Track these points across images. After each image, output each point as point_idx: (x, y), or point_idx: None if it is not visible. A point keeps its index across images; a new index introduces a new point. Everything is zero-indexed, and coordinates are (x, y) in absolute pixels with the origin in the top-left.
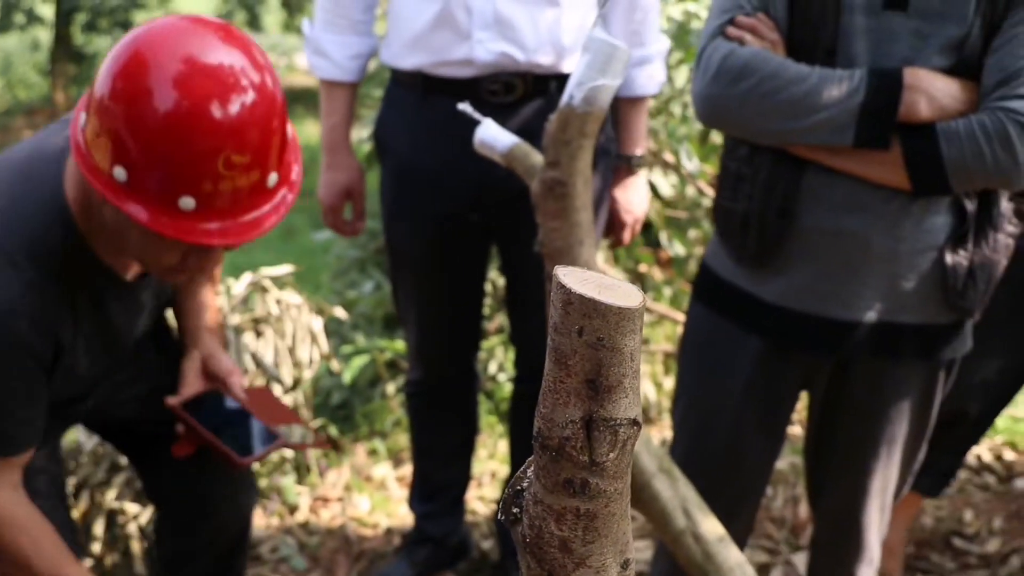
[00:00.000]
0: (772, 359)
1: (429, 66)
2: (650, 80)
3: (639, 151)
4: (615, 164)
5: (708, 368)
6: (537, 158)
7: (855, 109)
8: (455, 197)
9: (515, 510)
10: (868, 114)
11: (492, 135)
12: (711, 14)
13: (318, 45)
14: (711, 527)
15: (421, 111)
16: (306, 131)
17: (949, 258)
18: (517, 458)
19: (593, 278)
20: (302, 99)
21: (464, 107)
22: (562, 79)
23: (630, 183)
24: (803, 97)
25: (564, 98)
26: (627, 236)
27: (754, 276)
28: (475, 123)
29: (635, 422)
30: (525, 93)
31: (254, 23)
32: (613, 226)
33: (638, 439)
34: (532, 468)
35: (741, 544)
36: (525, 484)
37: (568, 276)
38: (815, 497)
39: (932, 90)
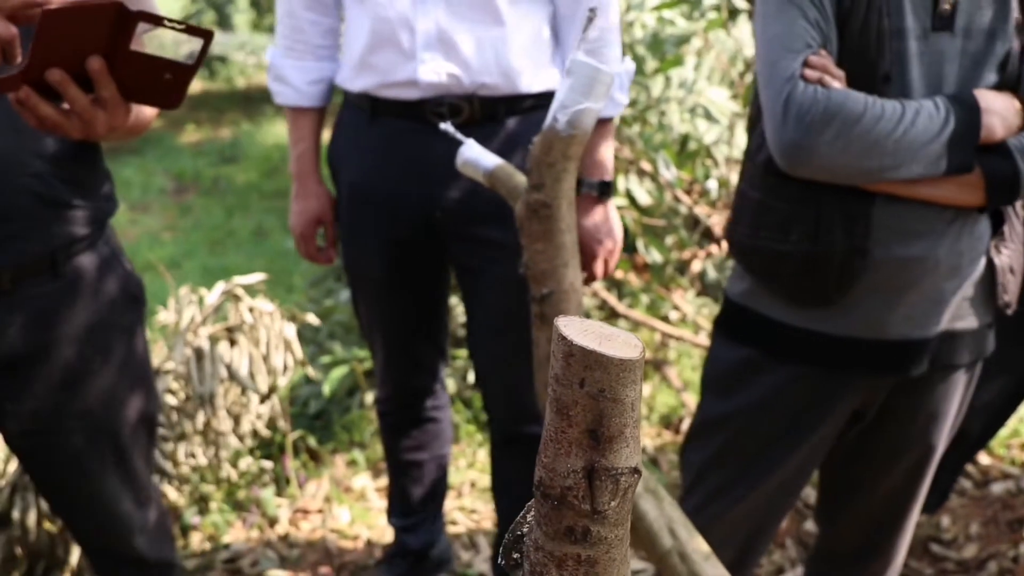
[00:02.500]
0: (829, 387)
1: (375, 87)
2: (611, 102)
3: (606, 177)
4: (581, 192)
5: (756, 403)
6: (520, 179)
7: (946, 139)
8: (406, 221)
9: (515, 555)
10: (956, 142)
11: (475, 155)
12: (772, 50)
13: (279, 72)
14: (697, 546)
15: (369, 134)
16: (275, 131)
17: (996, 259)
18: (502, 504)
19: (593, 328)
20: (271, 99)
21: (446, 127)
22: (511, 103)
23: (598, 211)
24: (900, 135)
25: (548, 121)
26: (599, 269)
27: (814, 313)
28: (423, 146)
29: (636, 470)
30: (472, 117)
31: (224, 23)
32: (584, 260)
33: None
34: (532, 514)
35: (760, 557)
36: (525, 529)
37: (569, 327)
38: (837, 510)
39: (1001, 110)
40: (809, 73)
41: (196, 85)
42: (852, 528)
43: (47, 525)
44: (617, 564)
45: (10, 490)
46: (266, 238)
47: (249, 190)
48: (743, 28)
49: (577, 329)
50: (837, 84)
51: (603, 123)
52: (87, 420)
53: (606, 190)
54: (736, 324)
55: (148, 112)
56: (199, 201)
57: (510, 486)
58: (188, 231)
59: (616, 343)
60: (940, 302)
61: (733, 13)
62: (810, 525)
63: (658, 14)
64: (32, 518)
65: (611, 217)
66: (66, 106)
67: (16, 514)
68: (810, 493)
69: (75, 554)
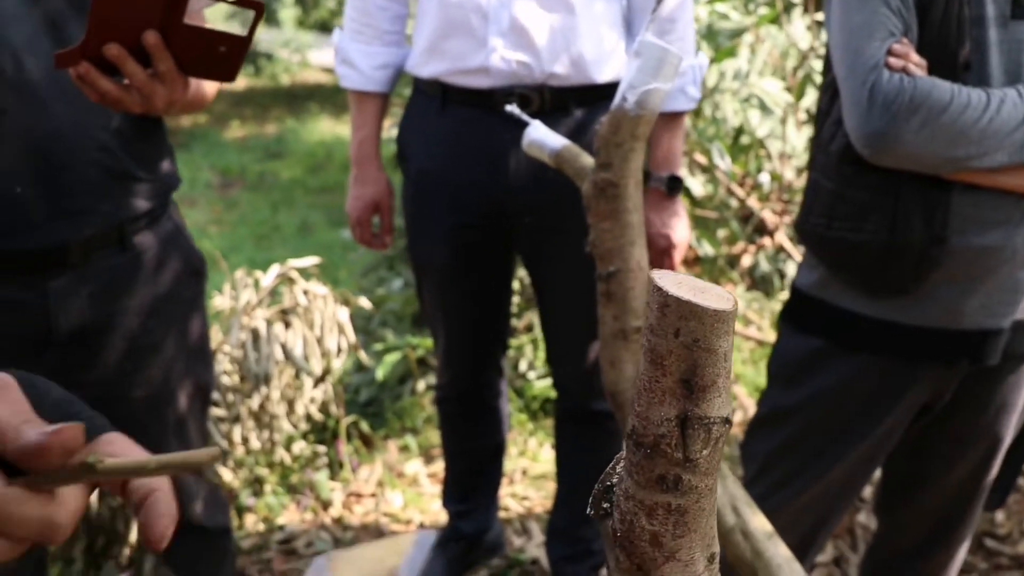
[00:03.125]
0: (900, 377)
1: (445, 74)
2: (683, 96)
3: (675, 172)
4: (650, 185)
5: (825, 393)
6: (587, 160)
7: None
8: (474, 208)
9: (605, 505)
10: None
11: (541, 136)
12: (854, 39)
13: (346, 55)
14: (760, 524)
15: (439, 121)
16: (320, 127)
17: None
18: (564, 481)
19: (687, 281)
20: (316, 96)
21: (512, 108)
22: (581, 93)
23: (667, 207)
24: (986, 123)
25: (616, 101)
26: (665, 263)
27: (889, 303)
28: (492, 135)
29: (727, 420)
30: (542, 107)
31: (270, 18)
32: (648, 254)
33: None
34: (621, 464)
35: (820, 548)
36: (615, 480)
37: (664, 279)
38: (900, 503)
39: None
40: (893, 61)
41: (240, 82)
42: (915, 521)
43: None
44: (706, 515)
45: None
46: (311, 233)
47: (294, 185)
48: (796, 23)
49: (671, 281)
50: (920, 72)
51: (674, 117)
52: (149, 389)
53: (675, 185)
54: (805, 315)
55: (207, 87)
56: (245, 196)
57: (574, 461)
58: (234, 225)
59: (710, 295)
60: (1016, 291)
61: (788, 6)
62: (863, 517)
63: (711, 7)
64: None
65: (678, 212)
66: (126, 81)
67: None
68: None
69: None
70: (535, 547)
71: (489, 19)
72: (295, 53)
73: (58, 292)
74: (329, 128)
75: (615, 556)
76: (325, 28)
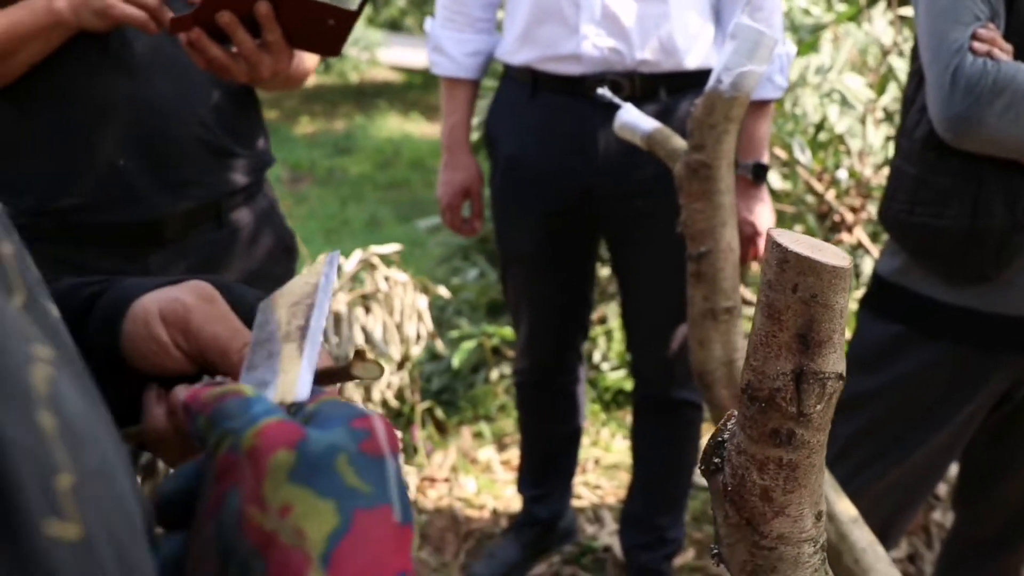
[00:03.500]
0: (980, 365)
1: (537, 61)
2: (770, 84)
3: (761, 159)
4: (735, 173)
5: (905, 380)
6: (679, 142)
7: None
8: (563, 194)
9: (716, 460)
10: None
11: (633, 119)
12: (940, 23)
13: (437, 42)
14: (845, 508)
15: (529, 109)
16: (388, 124)
17: None
18: (641, 469)
19: (802, 240)
20: (384, 93)
21: (603, 91)
22: (671, 80)
23: (752, 194)
24: None
25: (711, 83)
26: (747, 252)
27: (970, 290)
28: (582, 122)
29: (841, 376)
30: (632, 94)
31: None
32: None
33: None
34: (733, 421)
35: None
36: (725, 436)
37: (782, 237)
38: (978, 495)
39: None
40: (977, 46)
41: (310, 79)
42: (994, 513)
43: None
44: (816, 471)
45: None
46: (380, 227)
47: (363, 181)
48: (877, 20)
49: (789, 239)
50: (1005, 57)
51: (761, 105)
52: None
53: (760, 173)
54: (886, 301)
55: (308, 63)
56: (314, 191)
57: (652, 450)
58: (304, 219)
59: (827, 253)
60: None
61: (872, 1)
62: (939, 515)
63: (791, 2)
64: None
65: (763, 199)
66: (234, 50)
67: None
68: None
69: None
70: (607, 535)
71: (581, 6)
72: (364, 51)
73: (157, 266)
74: (397, 125)
75: (724, 511)
76: (395, 26)
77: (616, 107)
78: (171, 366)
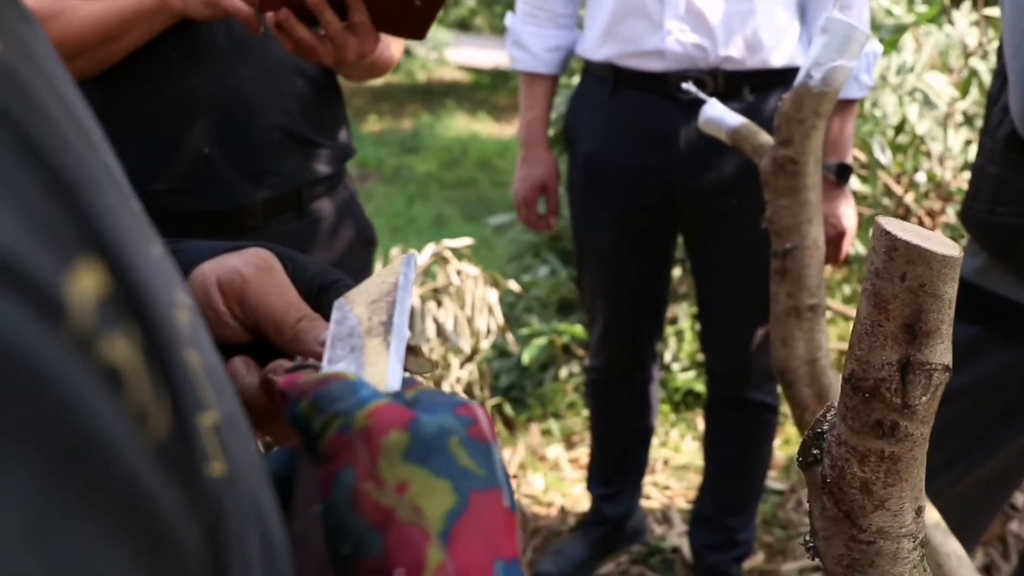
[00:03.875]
0: None
1: (619, 57)
2: (855, 83)
3: (845, 160)
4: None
5: (983, 383)
6: (764, 137)
7: None
8: (642, 191)
9: (815, 452)
10: None
11: (718, 114)
12: (1021, 18)
13: (518, 37)
14: (928, 513)
15: (610, 105)
16: (455, 124)
17: None
18: (713, 470)
19: (911, 228)
20: (452, 93)
21: (688, 86)
22: (755, 78)
23: (835, 194)
24: None
25: (800, 77)
26: (835, 251)
27: None
28: (664, 119)
29: (948, 368)
30: (715, 91)
31: None
32: None
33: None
34: (832, 412)
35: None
36: (825, 427)
37: (891, 225)
38: None
39: None
40: None
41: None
42: None
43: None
44: (918, 465)
45: None
46: (446, 226)
47: (429, 180)
48: (960, 20)
49: (898, 227)
50: None
51: (846, 104)
52: None
53: (844, 173)
54: (965, 302)
55: (393, 50)
56: (381, 188)
57: (724, 451)
58: (370, 216)
59: (935, 242)
60: None
61: (957, 1)
62: (1016, 526)
63: (873, 3)
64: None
65: (847, 200)
66: (321, 32)
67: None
68: (1017, 495)
69: None
70: (676, 536)
71: (665, 2)
72: (432, 51)
73: None
74: (465, 125)
75: (821, 503)
76: (464, 26)
77: (700, 103)
78: (227, 335)
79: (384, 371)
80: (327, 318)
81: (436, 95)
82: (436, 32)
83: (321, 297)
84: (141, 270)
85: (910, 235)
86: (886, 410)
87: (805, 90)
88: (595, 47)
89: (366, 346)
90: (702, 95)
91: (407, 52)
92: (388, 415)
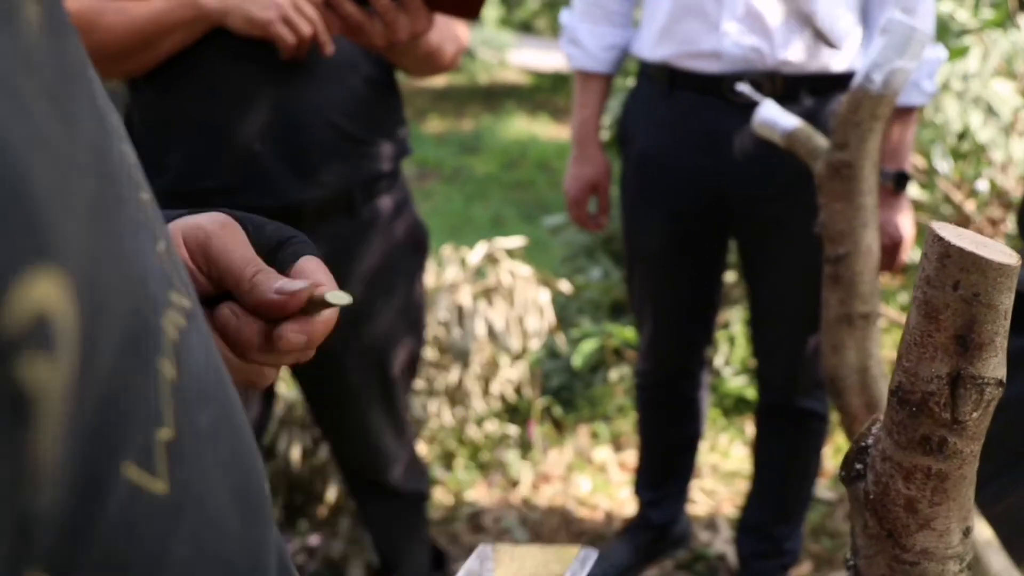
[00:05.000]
0: None
1: (675, 57)
2: (916, 90)
3: (904, 168)
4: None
5: None
6: (820, 141)
7: None
8: (695, 194)
9: (858, 466)
10: None
11: (773, 116)
12: None
13: (573, 34)
14: (978, 528)
15: (664, 106)
16: (516, 126)
17: None
18: (761, 477)
19: (966, 235)
20: (513, 95)
21: (743, 87)
22: (814, 82)
23: (893, 203)
24: None
25: (858, 79)
26: (885, 263)
27: None
28: (719, 122)
29: (1001, 383)
30: (772, 94)
31: None
32: None
33: None
34: (877, 426)
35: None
36: (870, 441)
37: (944, 230)
38: None
39: None
40: None
41: (440, 79)
42: None
43: (309, 460)
44: (967, 483)
45: (278, 424)
46: (503, 226)
47: (488, 180)
48: None
49: (952, 233)
50: None
51: (906, 112)
52: (365, 357)
53: (902, 181)
54: (1019, 313)
55: (449, 46)
56: (440, 188)
57: (773, 458)
58: (428, 215)
59: (991, 250)
60: None
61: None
62: None
63: (937, 8)
64: (296, 453)
65: (904, 208)
66: (371, 11)
67: (281, 447)
68: None
69: (332, 490)
70: (722, 542)
71: (723, 3)
72: (495, 52)
73: None
74: (525, 127)
75: (863, 520)
76: (526, 28)
77: (757, 106)
78: (197, 288)
79: None
80: (283, 271)
81: (497, 96)
82: (498, 34)
83: (277, 253)
84: (111, 282)
85: (965, 241)
86: (934, 425)
87: (863, 92)
88: (651, 47)
89: None
90: (757, 96)
91: (469, 54)
92: None
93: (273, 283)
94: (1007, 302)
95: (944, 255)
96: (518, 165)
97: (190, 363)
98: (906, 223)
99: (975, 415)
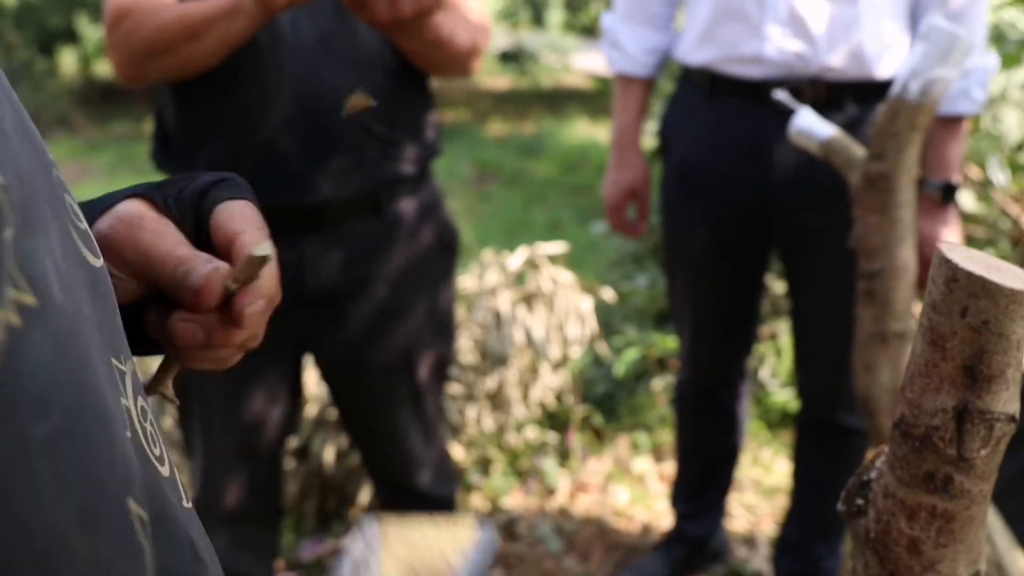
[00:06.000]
0: None
1: (716, 62)
2: (966, 99)
3: (952, 179)
4: (922, 191)
5: None
6: (857, 151)
7: None
8: (735, 202)
9: (859, 501)
10: None
11: (810, 124)
12: None
13: (614, 37)
14: (1015, 559)
15: (706, 112)
16: (576, 131)
17: None
18: (800, 494)
19: (979, 257)
20: (575, 99)
21: (781, 94)
22: (858, 89)
23: (939, 215)
24: None
25: (896, 88)
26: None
27: None
28: (760, 128)
29: (1012, 418)
30: (814, 101)
31: (537, 19)
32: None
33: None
34: (881, 459)
35: None
36: (872, 475)
37: (953, 252)
38: None
39: None
40: None
41: (503, 81)
42: None
43: (344, 462)
44: (976, 525)
45: (312, 426)
46: (561, 230)
47: (548, 184)
48: None
49: (962, 255)
50: None
51: (955, 121)
52: (390, 357)
53: (950, 193)
54: None
55: (462, 37)
56: (499, 190)
57: (813, 476)
58: (486, 217)
59: (1005, 274)
60: None
61: None
62: None
63: (997, 14)
64: (330, 454)
65: (951, 222)
66: None
67: (315, 449)
68: None
69: (365, 492)
70: (759, 559)
71: (766, 6)
72: (558, 56)
73: (312, 251)
74: (586, 131)
75: (864, 559)
76: (590, 32)
77: (793, 112)
78: (129, 295)
79: None
80: (206, 227)
81: (560, 100)
82: (562, 38)
83: (200, 207)
84: None
85: (975, 264)
86: (938, 462)
87: (901, 102)
88: (692, 51)
89: None
90: (794, 103)
91: (532, 57)
92: None
93: (197, 267)
94: (1020, 331)
95: (951, 279)
96: (578, 169)
97: (22, 366)
98: (952, 238)
99: (983, 452)
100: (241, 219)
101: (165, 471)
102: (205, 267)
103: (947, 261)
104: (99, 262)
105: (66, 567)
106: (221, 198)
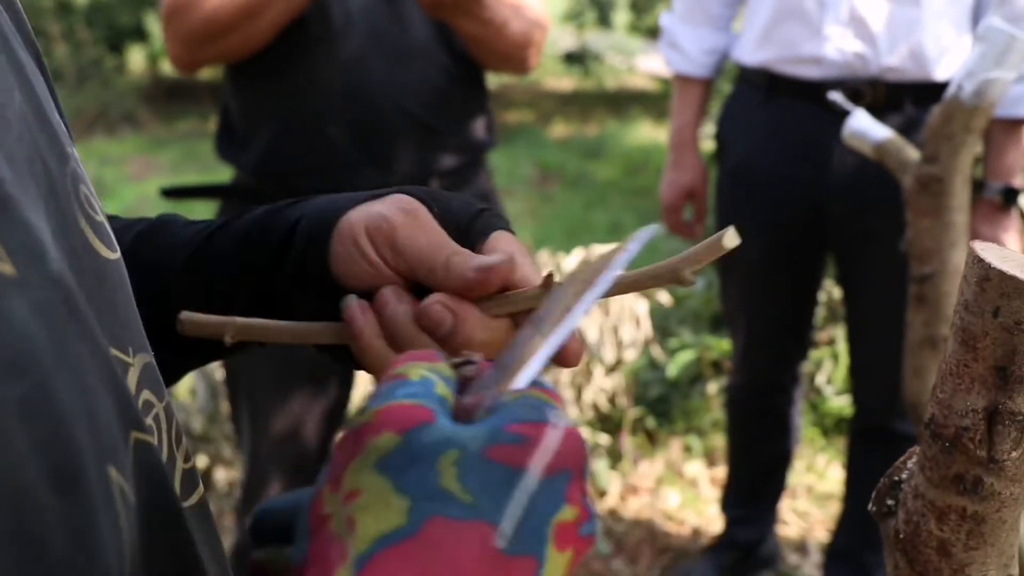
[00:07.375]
0: None
1: (775, 62)
2: None
3: (1013, 183)
4: (982, 195)
5: None
6: (912, 153)
7: None
8: (791, 205)
9: (890, 502)
10: None
11: (864, 126)
12: None
13: (673, 37)
14: None
15: (763, 113)
16: (640, 133)
17: None
18: (853, 501)
19: (1014, 257)
20: (639, 101)
21: (835, 96)
22: (919, 91)
23: (998, 220)
24: None
25: (951, 89)
26: None
27: None
28: (817, 130)
29: None
30: (874, 103)
31: (604, 21)
32: None
33: None
34: (913, 460)
35: None
36: (904, 475)
37: (987, 252)
38: None
39: None
40: None
41: (567, 83)
42: None
43: None
44: (1007, 528)
45: None
46: (621, 232)
47: (609, 186)
48: None
49: (996, 255)
50: None
51: (1016, 124)
52: None
53: (1011, 197)
54: None
55: (515, 25)
56: (560, 192)
57: (866, 483)
58: (547, 219)
59: None
60: None
61: None
62: None
63: None
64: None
65: (1010, 227)
66: None
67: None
68: None
69: None
70: (811, 566)
71: (826, 6)
72: (624, 58)
73: None
74: (649, 133)
75: (894, 560)
76: (655, 34)
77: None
78: (381, 281)
79: (520, 368)
80: (476, 248)
81: (624, 102)
82: (627, 40)
83: (471, 230)
84: None
85: (1009, 264)
86: (968, 463)
87: (956, 103)
88: (751, 51)
89: (535, 336)
90: (849, 105)
91: (596, 58)
92: (395, 416)
93: (471, 262)
94: None
95: (984, 278)
96: (640, 172)
97: None
98: (1011, 243)
99: (1015, 455)
100: (517, 248)
101: (175, 467)
102: (495, 257)
103: (980, 260)
104: (114, 255)
105: (36, 523)
106: (497, 226)
